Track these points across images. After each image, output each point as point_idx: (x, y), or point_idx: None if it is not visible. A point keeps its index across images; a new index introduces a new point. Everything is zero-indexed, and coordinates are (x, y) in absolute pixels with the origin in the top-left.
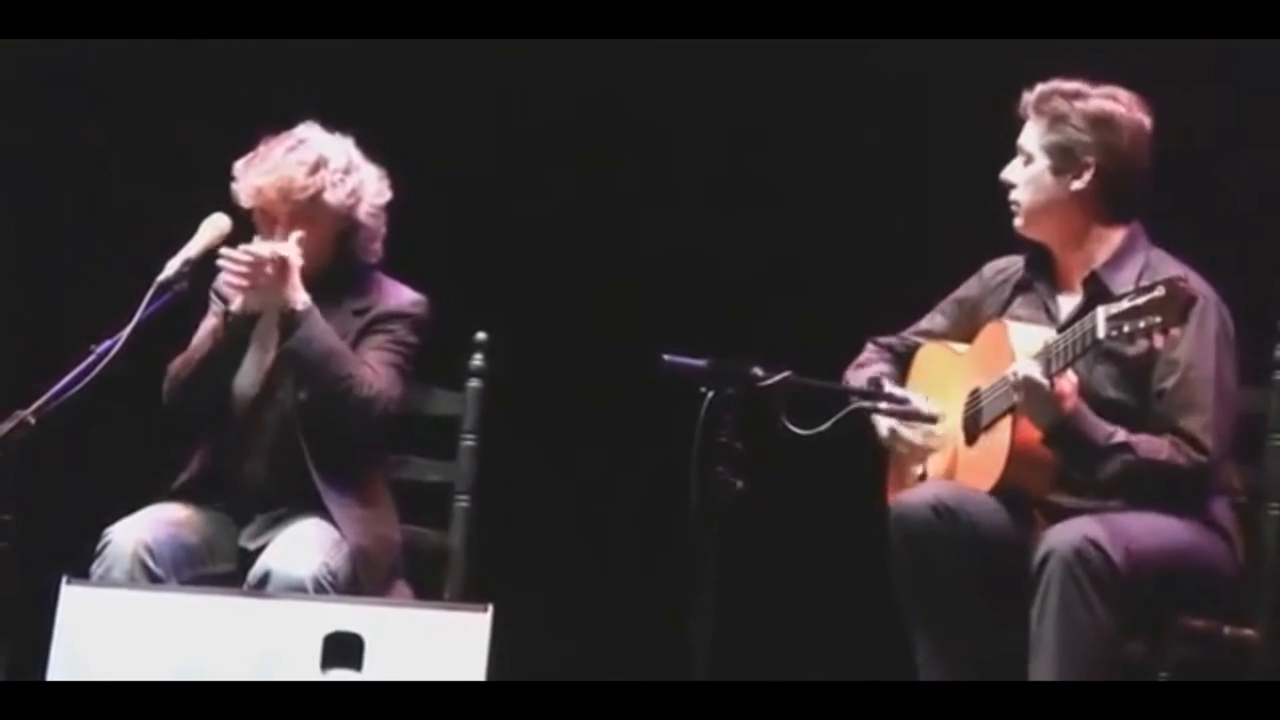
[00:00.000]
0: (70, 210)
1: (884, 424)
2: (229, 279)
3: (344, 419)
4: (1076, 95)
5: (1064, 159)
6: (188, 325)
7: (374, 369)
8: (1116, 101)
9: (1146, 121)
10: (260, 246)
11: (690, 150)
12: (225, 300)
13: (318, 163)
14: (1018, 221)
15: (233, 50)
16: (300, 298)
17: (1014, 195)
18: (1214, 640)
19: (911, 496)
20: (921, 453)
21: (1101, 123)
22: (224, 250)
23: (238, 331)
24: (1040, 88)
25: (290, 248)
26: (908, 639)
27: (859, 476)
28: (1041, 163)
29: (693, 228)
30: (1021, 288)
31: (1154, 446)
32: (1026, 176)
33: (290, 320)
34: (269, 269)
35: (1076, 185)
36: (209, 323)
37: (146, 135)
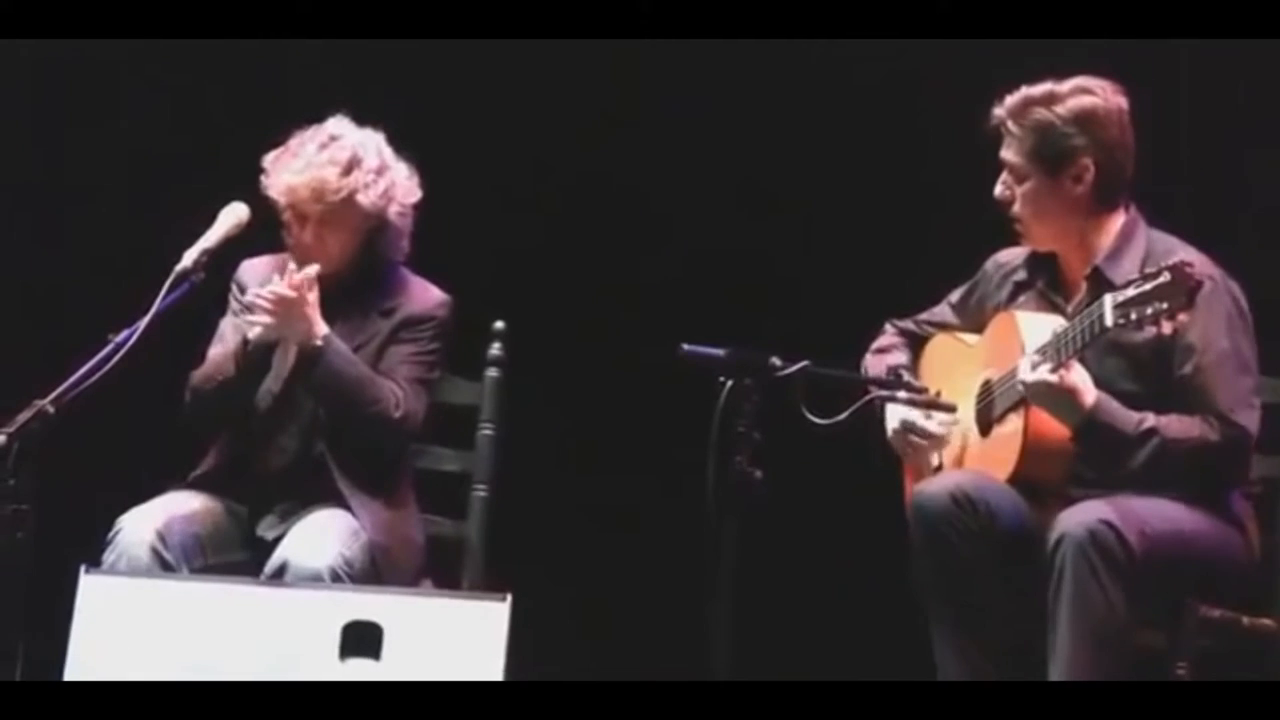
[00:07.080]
0: (90, 201)
1: (893, 421)
2: (251, 316)
3: (372, 440)
4: (1052, 99)
5: (1060, 166)
6: (206, 316)
7: (401, 386)
8: (1093, 94)
9: (1124, 103)
10: (279, 285)
11: (708, 143)
12: (245, 292)
13: (351, 163)
14: (1026, 240)
15: (258, 45)
16: (319, 330)
17: (1016, 212)
18: (1233, 630)
19: (931, 485)
20: (936, 444)
21: (1087, 119)
22: (244, 290)
23: (258, 357)
24: (1010, 100)
25: (307, 282)
26: (925, 625)
27: (878, 465)
28: (1037, 175)
29: (712, 217)
30: (1024, 286)
31: (1185, 426)
32: (1024, 193)
33: (311, 353)
34: (290, 306)
35: (1079, 190)
36: (229, 340)
37: (169, 129)
